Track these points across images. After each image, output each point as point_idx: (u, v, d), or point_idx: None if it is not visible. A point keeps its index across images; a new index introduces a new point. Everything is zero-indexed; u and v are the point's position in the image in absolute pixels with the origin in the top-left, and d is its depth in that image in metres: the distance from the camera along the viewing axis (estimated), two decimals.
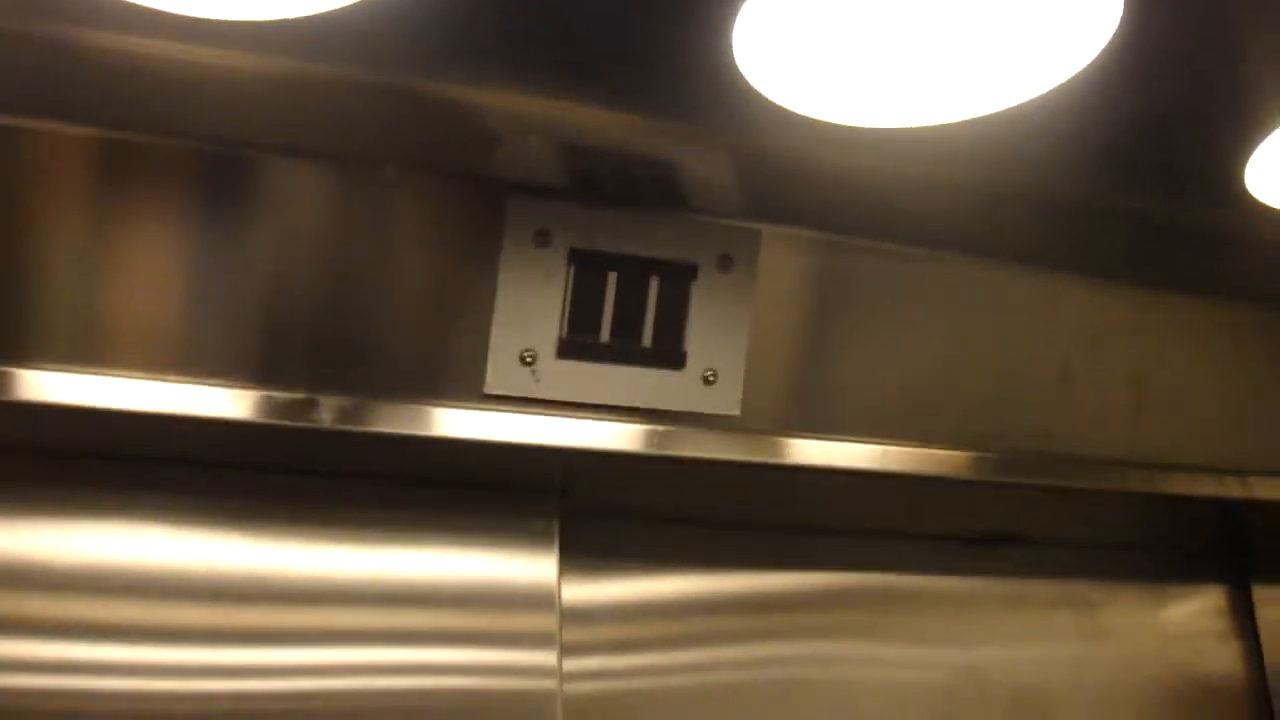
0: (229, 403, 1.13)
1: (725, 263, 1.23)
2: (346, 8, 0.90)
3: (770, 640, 1.52)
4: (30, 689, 1.19)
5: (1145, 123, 1.14)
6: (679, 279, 1.22)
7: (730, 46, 0.96)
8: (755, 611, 1.52)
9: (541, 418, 1.22)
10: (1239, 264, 1.42)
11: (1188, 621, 1.78)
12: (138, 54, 1.01)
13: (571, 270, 1.19)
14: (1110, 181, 1.27)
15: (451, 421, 1.19)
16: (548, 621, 1.36)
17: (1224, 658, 1.80)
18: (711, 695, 1.47)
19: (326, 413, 1.15)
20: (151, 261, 1.11)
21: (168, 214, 1.10)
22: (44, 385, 1.09)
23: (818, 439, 1.33)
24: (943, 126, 1.08)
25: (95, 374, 1.10)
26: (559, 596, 1.37)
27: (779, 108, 1.04)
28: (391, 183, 1.14)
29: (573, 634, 1.39)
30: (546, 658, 1.34)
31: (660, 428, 1.25)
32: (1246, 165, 1.17)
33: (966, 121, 1.06)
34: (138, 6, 0.88)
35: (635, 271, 1.21)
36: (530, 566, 1.37)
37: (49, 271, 1.09)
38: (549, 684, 1.34)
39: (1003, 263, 1.35)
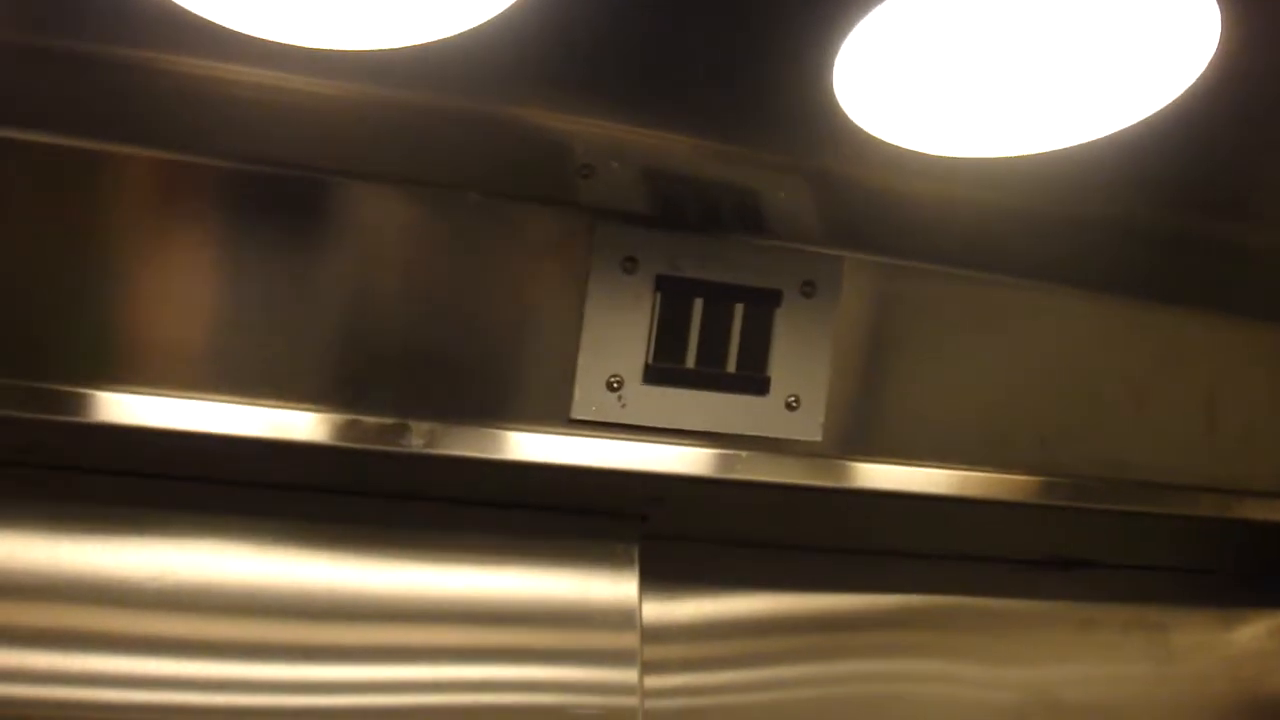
0: (320, 427, 1.14)
1: (809, 289, 1.23)
2: (441, 40, 0.91)
3: (843, 658, 1.53)
4: (119, 703, 1.20)
5: (1220, 152, 1.15)
6: (763, 305, 1.23)
7: (830, 78, 0.97)
8: (829, 630, 1.53)
9: (626, 443, 1.23)
10: None
11: (1256, 644, 1.78)
12: (231, 80, 1.02)
13: (658, 296, 1.20)
14: (1191, 209, 1.27)
15: (538, 446, 1.20)
16: (629, 639, 1.36)
17: None
18: (785, 711, 1.48)
19: (416, 437, 1.16)
20: (245, 287, 1.12)
21: (261, 240, 1.11)
22: (134, 409, 1.11)
23: (895, 464, 1.33)
24: (1025, 157, 1.08)
25: (183, 397, 1.11)
26: (639, 615, 1.38)
27: (870, 136, 1.06)
28: (480, 209, 1.14)
29: (653, 652, 1.39)
30: (628, 675, 1.35)
31: (743, 453, 1.26)
32: None
33: (1053, 152, 1.07)
34: (232, 32, 0.90)
35: (720, 297, 1.22)
36: (611, 587, 1.37)
37: (142, 295, 1.10)
38: (630, 701, 1.34)
39: (1079, 289, 1.36)
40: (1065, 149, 1.07)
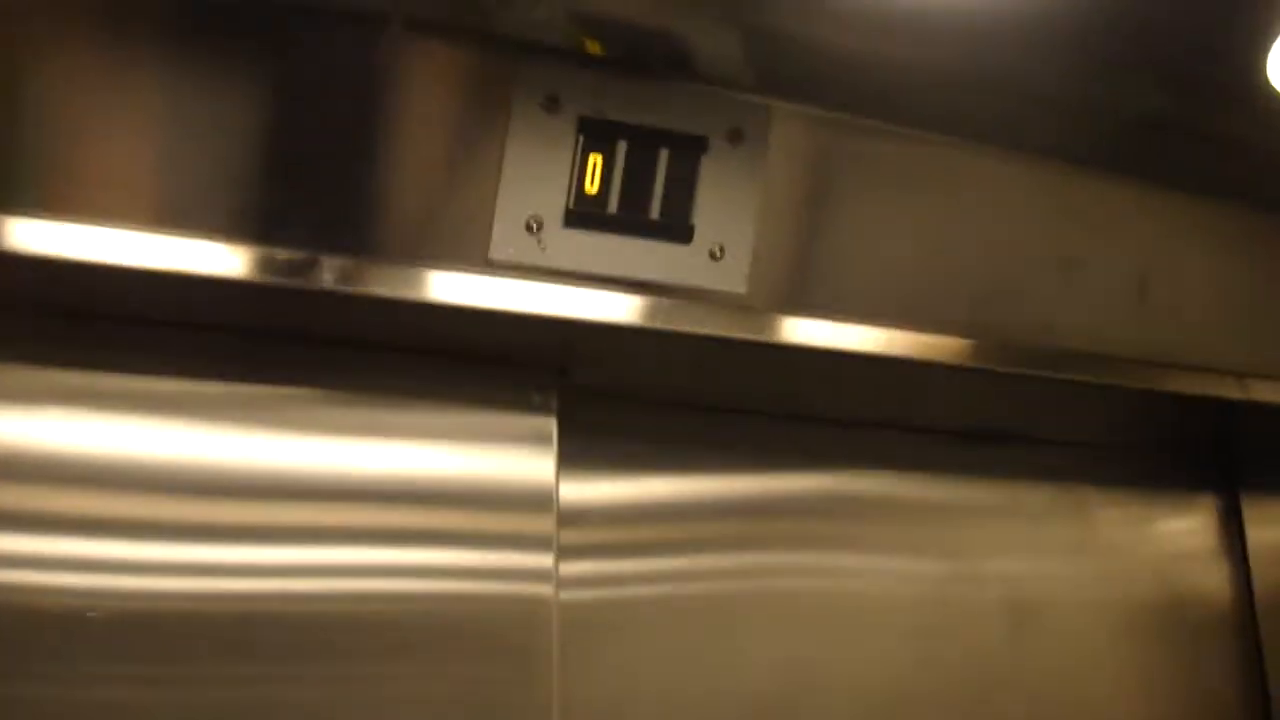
0: (227, 259, 1.11)
1: (735, 136, 1.21)
2: None
3: (764, 549, 1.53)
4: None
5: (1161, 15, 1.13)
6: (689, 151, 1.20)
7: None
8: (749, 516, 1.52)
9: (545, 285, 1.20)
10: (1255, 166, 1.40)
11: (1179, 533, 1.81)
12: None
13: (580, 138, 1.17)
14: (1126, 76, 1.25)
15: (454, 286, 1.18)
16: (545, 523, 1.33)
17: (1213, 570, 1.81)
18: (705, 604, 1.47)
19: (328, 273, 1.13)
20: (150, 114, 1.08)
21: (169, 66, 1.07)
22: (24, 233, 1.06)
23: (821, 320, 1.31)
24: (956, 8, 1.06)
25: (83, 223, 1.07)
26: (557, 496, 1.35)
27: None
28: (400, 40, 1.11)
29: (570, 536, 1.38)
30: (543, 561, 1.32)
31: (665, 302, 1.24)
32: (1266, 61, 1.15)
33: (985, 10, 1.05)
34: None
35: (645, 141, 1.19)
36: (529, 461, 1.34)
37: (44, 119, 1.06)
38: (545, 589, 1.31)
39: (1014, 153, 1.34)
40: (997, 7, 1.05)
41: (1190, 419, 1.72)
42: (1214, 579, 1.81)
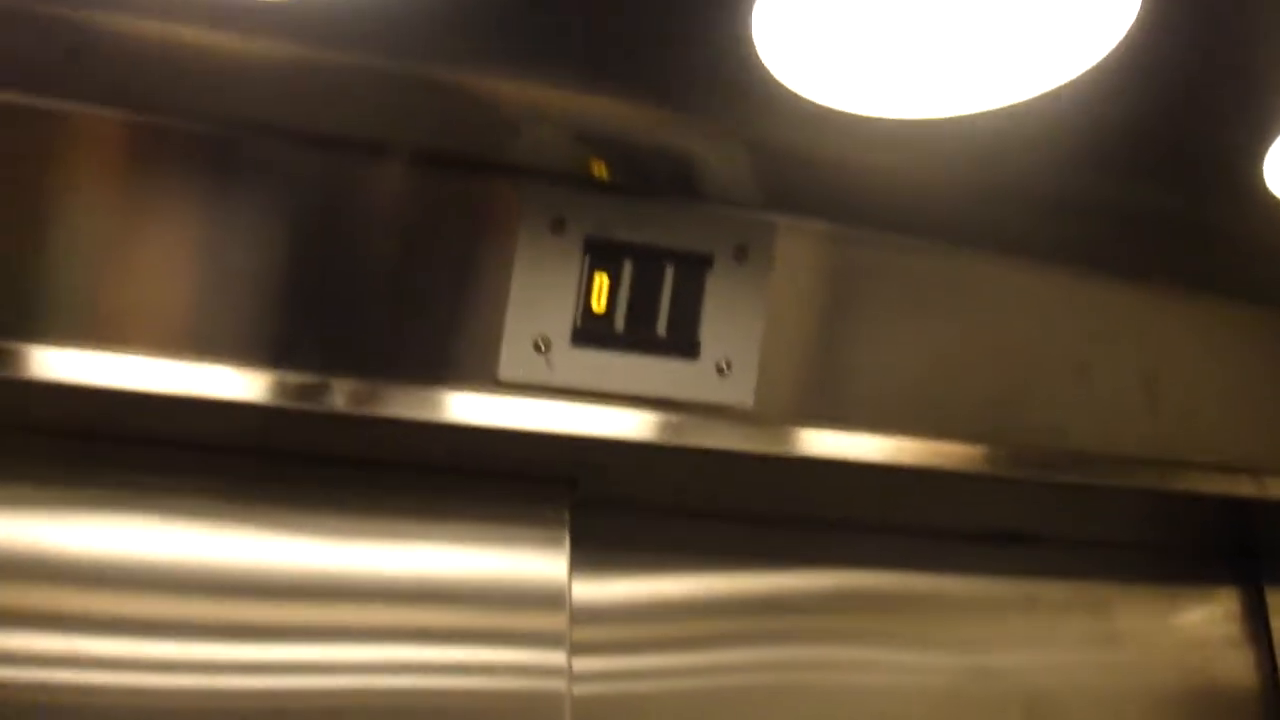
0: (241, 384, 1.13)
1: (741, 253, 1.23)
2: None
3: (777, 643, 1.52)
4: (31, 683, 1.17)
5: (1161, 118, 1.14)
6: (694, 269, 1.22)
7: (749, 35, 0.96)
8: (763, 613, 1.52)
9: (554, 404, 1.22)
10: (1256, 263, 1.41)
11: (1201, 624, 1.78)
12: (155, 38, 1.01)
13: (587, 258, 1.19)
14: (1127, 179, 1.26)
15: (464, 407, 1.19)
16: (558, 621, 1.35)
17: (1237, 661, 1.79)
18: (718, 699, 1.47)
19: (339, 396, 1.15)
20: (164, 243, 1.11)
21: (182, 196, 1.10)
22: (50, 363, 1.09)
23: (830, 431, 1.33)
24: (959, 119, 1.08)
25: (104, 352, 1.10)
26: (569, 594, 1.36)
27: (797, 97, 1.05)
28: (407, 168, 1.14)
29: (582, 633, 1.38)
30: (556, 658, 1.34)
31: (673, 417, 1.25)
32: (1264, 161, 1.16)
33: (983, 114, 1.07)
34: None
35: (650, 260, 1.21)
36: (541, 562, 1.36)
37: (61, 250, 1.09)
38: (558, 685, 1.33)
39: (1018, 258, 1.35)
40: (994, 111, 1.06)
41: (1207, 516, 1.71)
42: (1238, 670, 1.79)
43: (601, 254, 1.19)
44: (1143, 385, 1.45)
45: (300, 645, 1.26)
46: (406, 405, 1.18)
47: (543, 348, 1.19)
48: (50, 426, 1.23)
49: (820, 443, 1.32)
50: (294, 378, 1.14)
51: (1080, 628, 1.69)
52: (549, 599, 1.35)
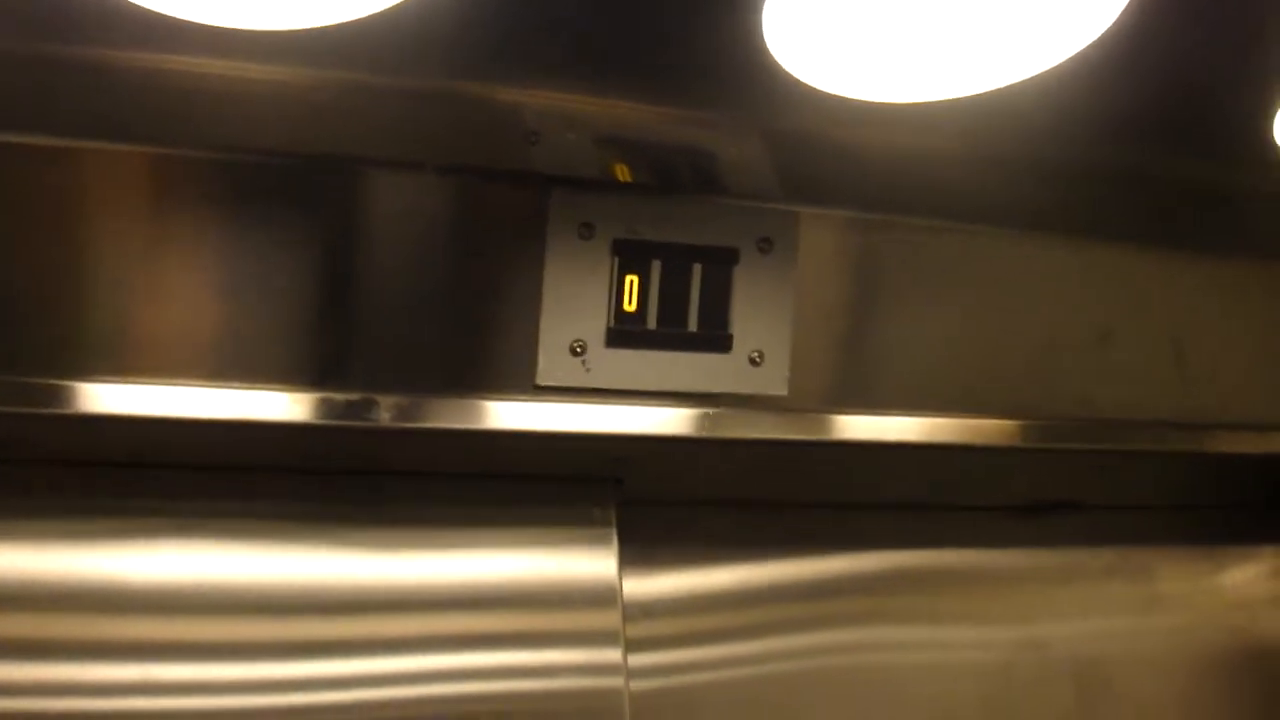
0: (288, 406, 1.16)
1: (765, 245, 1.25)
2: (382, 14, 0.92)
3: (827, 627, 1.54)
4: (108, 711, 1.20)
5: (1171, 85, 1.16)
6: (721, 263, 1.24)
7: (760, 31, 0.98)
8: (811, 598, 1.54)
9: (593, 405, 1.24)
10: (1271, 222, 1.43)
11: (1244, 583, 1.79)
12: (183, 72, 1.04)
13: (616, 260, 1.21)
14: (1140, 146, 1.28)
15: (506, 413, 1.22)
16: (611, 618, 1.37)
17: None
18: (774, 685, 1.49)
19: (385, 411, 1.18)
20: (210, 273, 1.14)
21: (219, 225, 1.12)
22: (100, 397, 1.12)
23: (865, 415, 1.35)
24: (971, 99, 1.09)
25: (152, 384, 1.13)
26: (620, 592, 1.38)
27: (810, 88, 1.06)
28: (435, 184, 1.16)
29: (635, 629, 1.41)
30: (611, 655, 1.36)
31: (710, 411, 1.28)
32: (1274, 121, 1.18)
33: (994, 93, 1.08)
34: (175, 21, 0.91)
35: (678, 258, 1.23)
36: (590, 562, 1.38)
37: (101, 283, 1.12)
38: (616, 682, 1.35)
39: (1038, 232, 1.37)
40: (1005, 89, 1.07)
41: (1242, 475, 1.72)
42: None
43: (630, 255, 1.22)
44: (1169, 349, 1.46)
45: (361, 659, 1.28)
46: (450, 416, 1.21)
47: (578, 350, 1.21)
48: (107, 458, 1.26)
49: (855, 426, 1.34)
50: (340, 396, 1.17)
51: (1124, 593, 1.70)
52: (601, 597, 1.37)
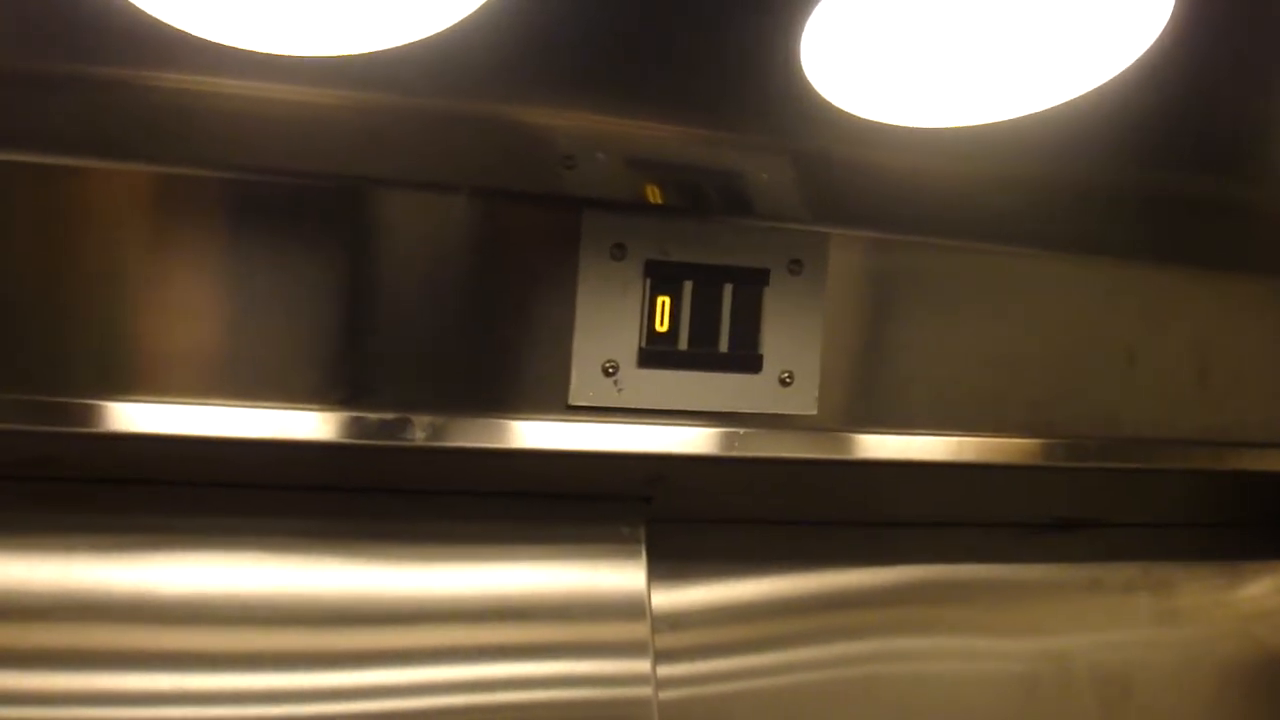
0: (324, 425, 1.17)
1: (795, 267, 1.26)
2: (416, 42, 0.94)
3: (853, 638, 1.55)
4: None
5: (1194, 106, 1.16)
6: (752, 284, 1.25)
7: (797, 56, 0.99)
8: (838, 609, 1.54)
9: (625, 426, 1.25)
10: None
11: (1262, 597, 1.79)
12: (216, 93, 1.05)
13: (647, 281, 1.22)
14: (1163, 166, 1.29)
15: (539, 433, 1.23)
16: (640, 629, 1.38)
17: None
18: (799, 695, 1.49)
19: (419, 430, 1.19)
20: (242, 293, 1.15)
21: (255, 247, 1.14)
22: (131, 417, 1.13)
23: (892, 434, 1.36)
24: (999, 124, 1.10)
25: (189, 404, 1.14)
26: (649, 604, 1.40)
27: (844, 113, 1.07)
28: (469, 206, 1.17)
29: (664, 640, 1.42)
30: (640, 666, 1.37)
31: (740, 430, 1.29)
32: None
33: (1023, 118, 1.09)
34: (212, 45, 0.92)
35: (709, 279, 1.24)
36: (619, 575, 1.39)
37: (143, 306, 1.13)
38: (645, 692, 1.36)
39: (1063, 252, 1.38)
40: (1033, 114, 1.08)
41: (1263, 492, 1.72)
42: None
43: (662, 276, 1.23)
44: (1192, 368, 1.47)
45: (393, 669, 1.30)
46: (483, 435, 1.22)
47: (611, 371, 1.22)
48: (138, 475, 1.27)
49: (883, 446, 1.36)
50: (374, 415, 1.18)
51: (1145, 607, 1.71)
52: (630, 609, 1.39)
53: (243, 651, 1.26)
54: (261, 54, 0.94)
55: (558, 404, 1.22)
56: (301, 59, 0.96)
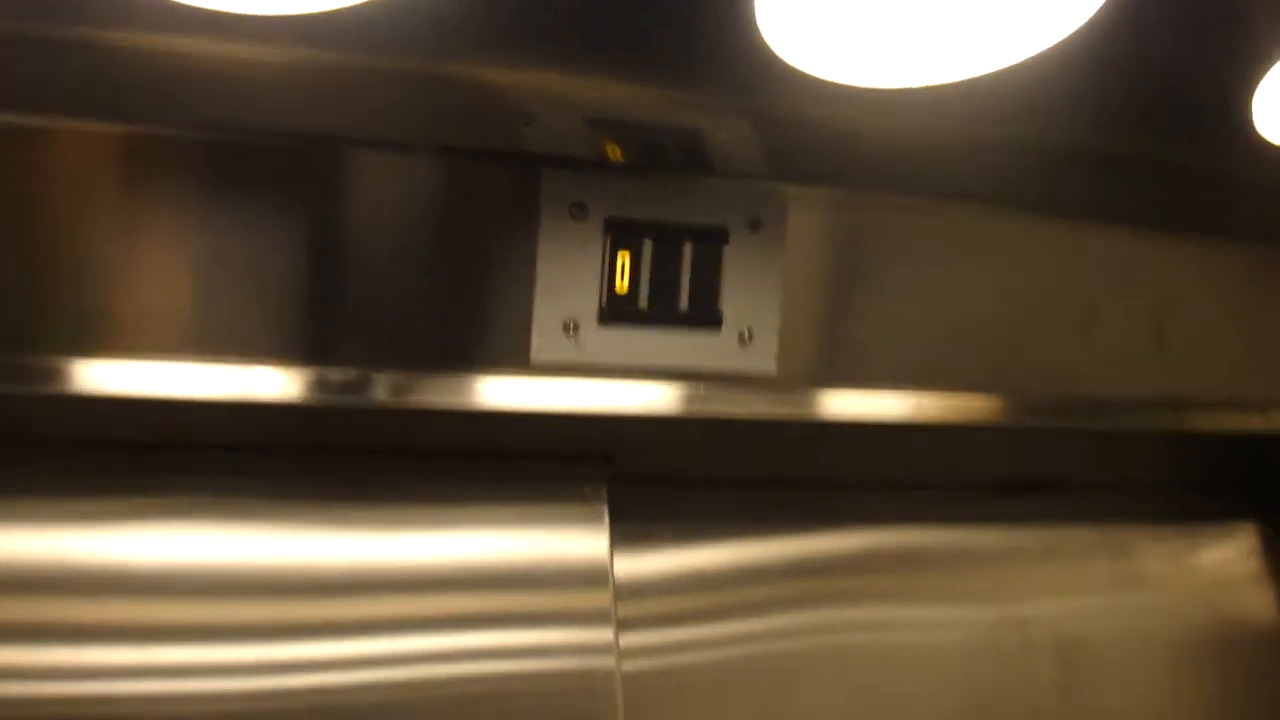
0: (287, 384, 1.17)
1: (755, 224, 1.27)
2: (376, 2, 0.94)
3: (815, 606, 1.55)
4: (108, 695, 1.21)
5: (1153, 68, 1.17)
6: (711, 242, 1.26)
7: (752, 14, 1.00)
8: (798, 577, 1.54)
9: (586, 382, 1.26)
10: (1249, 203, 1.45)
11: (1222, 562, 1.81)
12: (178, 52, 1.05)
13: (608, 240, 1.23)
14: (1122, 128, 1.30)
15: (501, 391, 1.24)
16: (602, 598, 1.38)
17: (1259, 597, 1.82)
18: (763, 664, 1.50)
19: (380, 388, 1.19)
20: (205, 251, 1.15)
21: (214, 205, 1.14)
22: (93, 375, 1.13)
23: (852, 392, 1.37)
24: (957, 84, 1.11)
25: (146, 360, 1.14)
26: (611, 572, 1.39)
27: (801, 73, 1.08)
28: (428, 165, 1.18)
29: (627, 609, 1.42)
30: (603, 635, 1.36)
31: (700, 388, 1.30)
32: (1253, 103, 1.20)
33: (979, 78, 1.10)
34: (174, 4, 0.93)
35: (669, 237, 1.25)
36: (582, 540, 1.39)
37: (93, 262, 1.13)
38: (607, 662, 1.36)
39: (1022, 212, 1.39)
40: (990, 74, 1.09)
41: (1221, 454, 1.74)
42: (1261, 605, 1.82)
43: (622, 234, 1.23)
44: (1150, 329, 1.48)
45: (352, 640, 1.29)
46: (445, 393, 1.22)
47: (571, 329, 1.23)
48: (98, 438, 1.26)
49: (842, 404, 1.37)
50: (336, 374, 1.18)
51: (1104, 572, 1.72)
52: (592, 577, 1.38)
53: (201, 622, 1.25)
54: (223, 13, 0.95)
55: (519, 362, 1.23)
56: (261, 18, 0.96)
